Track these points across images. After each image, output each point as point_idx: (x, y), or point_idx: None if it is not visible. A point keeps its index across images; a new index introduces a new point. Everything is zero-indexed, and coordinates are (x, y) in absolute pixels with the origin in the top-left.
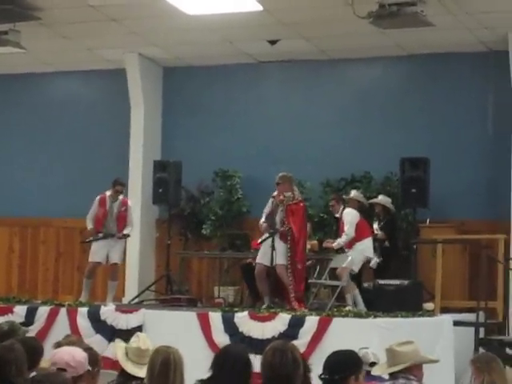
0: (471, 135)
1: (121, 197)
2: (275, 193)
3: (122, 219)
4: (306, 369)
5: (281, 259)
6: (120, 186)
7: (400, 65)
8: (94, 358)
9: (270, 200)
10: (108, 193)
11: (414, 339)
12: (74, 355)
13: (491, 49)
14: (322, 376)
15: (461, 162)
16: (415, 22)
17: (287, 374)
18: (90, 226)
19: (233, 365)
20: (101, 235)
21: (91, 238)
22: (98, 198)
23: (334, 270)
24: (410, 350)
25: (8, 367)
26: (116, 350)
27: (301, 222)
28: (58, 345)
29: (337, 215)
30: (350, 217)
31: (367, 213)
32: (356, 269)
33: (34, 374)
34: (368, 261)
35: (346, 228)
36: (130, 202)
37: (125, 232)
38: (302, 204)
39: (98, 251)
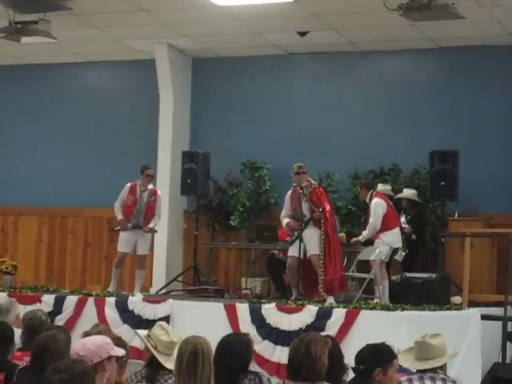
0: (501, 128)
1: (150, 186)
2: (290, 191)
3: (151, 209)
4: (340, 367)
5: (315, 248)
6: (149, 169)
7: (430, 57)
8: (125, 350)
9: (288, 198)
10: (138, 181)
11: (441, 332)
12: (85, 344)
13: None
14: (355, 366)
15: (490, 155)
16: (446, 15)
17: (309, 366)
18: (119, 216)
19: (224, 354)
20: (129, 225)
21: (119, 228)
22: (129, 185)
23: (361, 262)
24: (440, 344)
25: (49, 357)
26: (144, 341)
27: (328, 203)
28: (86, 334)
29: (366, 200)
30: (376, 208)
31: (395, 206)
32: (385, 258)
33: None
34: (396, 252)
35: (370, 220)
36: (159, 192)
37: (151, 225)
38: (321, 188)
39: (126, 241)
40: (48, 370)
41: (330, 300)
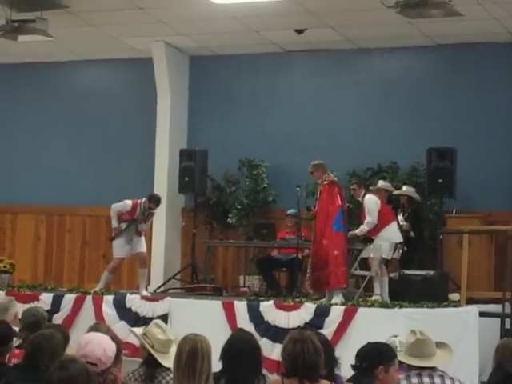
0: (498, 125)
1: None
2: None
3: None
4: (332, 361)
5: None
6: (154, 204)
7: (427, 54)
8: (118, 347)
9: None
10: (141, 201)
11: (439, 329)
12: (106, 350)
13: None
14: (353, 364)
15: (488, 152)
16: (443, 12)
17: (310, 363)
18: (114, 223)
19: (244, 353)
20: (123, 226)
21: (114, 236)
22: (131, 203)
23: (364, 259)
24: (431, 339)
25: (43, 355)
26: (141, 339)
27: (323, 202)
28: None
29: (358, 199)
30: (370, 204)
31: (395, 203)
32: (387, 256)
33: None
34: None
35: (367, 216)
36: (154, 215)
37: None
38: (335, 188)
39: (121, 247)
40: (52, 368)
41: (337, 297)
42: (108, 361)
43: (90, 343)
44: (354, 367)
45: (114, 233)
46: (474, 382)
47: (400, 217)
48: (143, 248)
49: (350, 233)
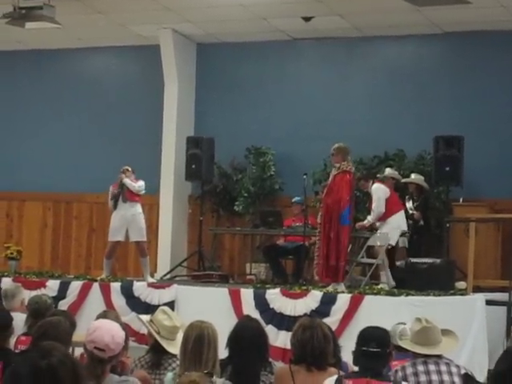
0: (506, 114)
1: (132, 177)
2: None
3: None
4: (336, 348)
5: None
6: (124, 170)
7: (435, 42)
8: (125, 334)
9: None
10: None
11: (446, 318)
12: (114, 336)
13: None
14: (370, 349)
15: (495, 140)
16: (451, 0)
17: (319, 351)
18: (110, 204)
19: (250, 341)
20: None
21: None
22: (112, 185)
23: (370, 247)
24: (437, 327)
25: None
26: (147, 326)
27: (332, 190)
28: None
29: (369, 190)
30: (377, 193)
31: (402, 191)
32: (393, 242)
33: None
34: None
35: (373, 205)
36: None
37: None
38: (346, 175)
39: (116, 229)
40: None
41: (338, 286)
42: (116, 347)
43: (98, 329)
44: (371, 353)
45: (112, 196)
46: (484, 370)
47: (409, 205)
48: (141, 237)
49: (359, 224)
